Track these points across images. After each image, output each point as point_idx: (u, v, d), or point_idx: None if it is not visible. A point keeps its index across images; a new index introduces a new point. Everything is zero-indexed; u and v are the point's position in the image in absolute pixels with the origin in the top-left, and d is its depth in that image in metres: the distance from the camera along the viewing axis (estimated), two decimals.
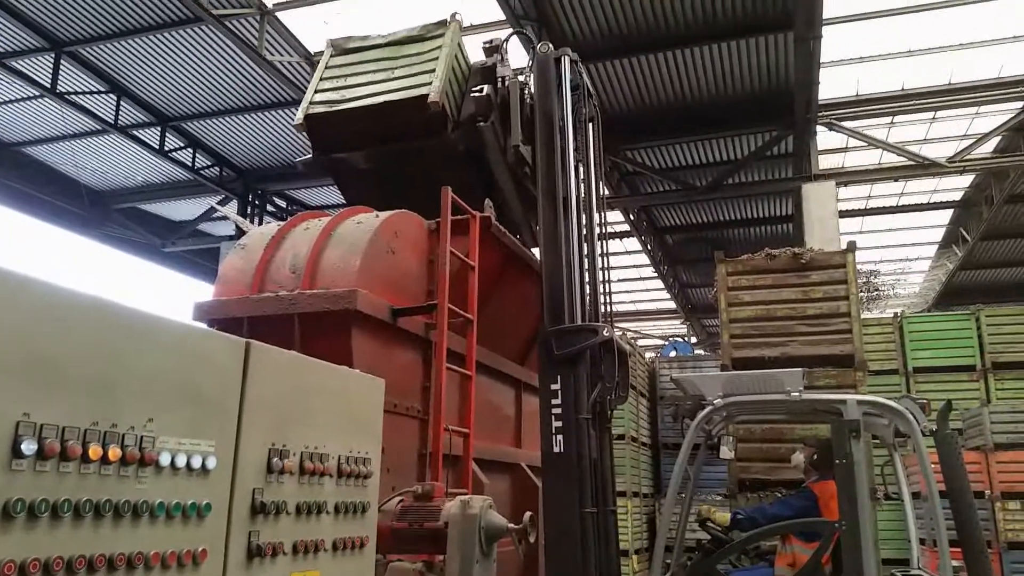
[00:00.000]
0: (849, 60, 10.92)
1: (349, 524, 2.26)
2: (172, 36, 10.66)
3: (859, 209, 15.52)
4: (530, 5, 9.53)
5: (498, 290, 4.82)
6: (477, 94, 5.00)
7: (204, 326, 3.59)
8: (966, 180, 14.56)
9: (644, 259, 17.82)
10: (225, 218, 15.39)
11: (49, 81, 11.34)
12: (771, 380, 4.63)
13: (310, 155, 5.27)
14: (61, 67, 11.27)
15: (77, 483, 1.45)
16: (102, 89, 12.02)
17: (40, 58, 11.20)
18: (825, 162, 12.42)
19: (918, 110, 11.87)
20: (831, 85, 11.22)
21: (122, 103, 12.32)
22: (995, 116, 11.90)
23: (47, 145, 13.98)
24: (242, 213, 14.76)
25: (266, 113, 12.74)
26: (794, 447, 6.17)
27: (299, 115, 5.09)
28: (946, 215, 16.46)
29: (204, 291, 18.61)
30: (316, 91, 5.17)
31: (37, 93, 11.81)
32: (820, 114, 11.54)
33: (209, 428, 1.77)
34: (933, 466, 4.25)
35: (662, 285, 19.68)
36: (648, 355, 15.33)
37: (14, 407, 1.36)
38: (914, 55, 10.72)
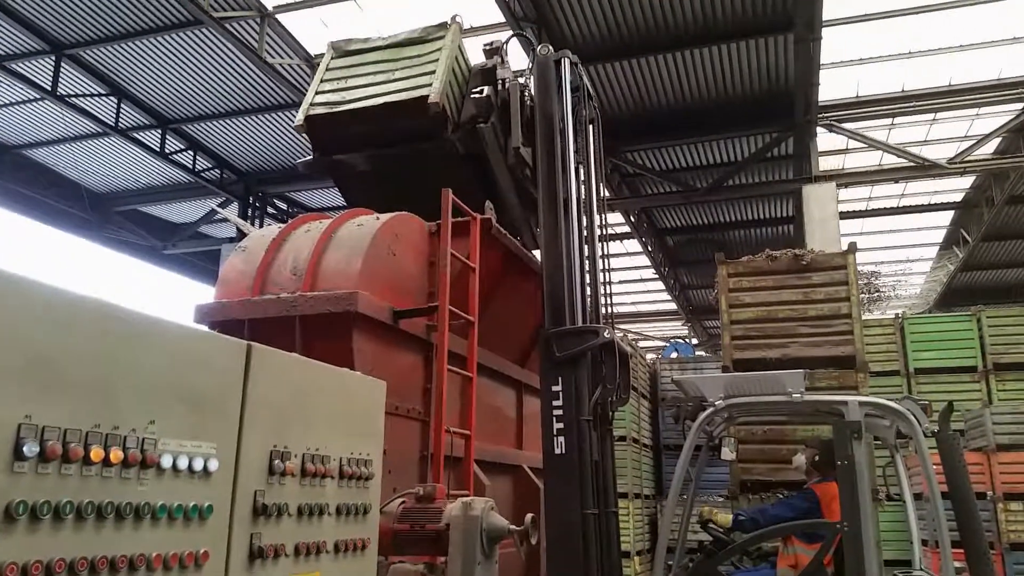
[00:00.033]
0: (849, 62, 10.92)
1: (351, 526, 2.26)
2: (172, 38, 10.67)
3: (860, 210, 15.50)
4: (530, 7, 9.54)
5: (499, 292, 4.81)
6: (477, 96, 5.00)
7: (205, 328, 3.60)
8: (967, 181, 14.56)
9: (645, 260, 17.82)
10: (226, 220, 15.40)
11: (50, 84, 11.35)
12: (772, 381, 4.62)
13: (311, 157, 5.28)
14: (62, 69, 11.29)
15: (79, 485, 1.45)
16: (103, 91, 12.04)
17: (41, 61, 11.21)
18: (825, 163, 12.42)
19: (918, 111, 11.87)
20: (831, 87, 11.23)
21: (123, 105, 12.34)
22: (995, 117, 11.91)
23: (48, 147, 14.00)
24: (243, 215, 14.77)
25: (267, 115, 12.75)
26: (796, 448, 6.16)
27: (299, 116, 5.09)
28: (947, 216, 16.46)
29: (205, 293, 18.65)
30: (316, 93, 5.17)
31: (38, 96, 11.83)
32: (820, 116, 11.54)
33: (210, 430, 1.77)
34: (935, 467, 4.25)
35: (663, 287, 19.68)
36: (649, 356, 15.30)
37: (16, 409, 1.36)
38: (914, 56, 10.72)
